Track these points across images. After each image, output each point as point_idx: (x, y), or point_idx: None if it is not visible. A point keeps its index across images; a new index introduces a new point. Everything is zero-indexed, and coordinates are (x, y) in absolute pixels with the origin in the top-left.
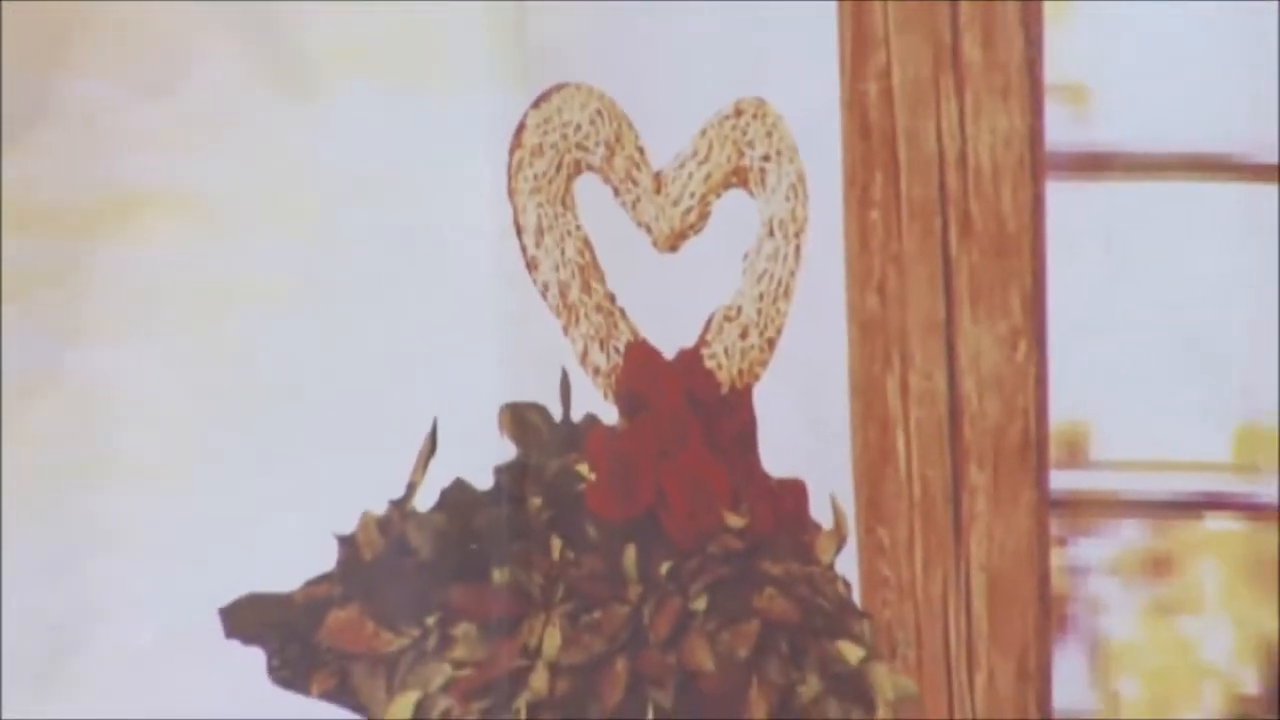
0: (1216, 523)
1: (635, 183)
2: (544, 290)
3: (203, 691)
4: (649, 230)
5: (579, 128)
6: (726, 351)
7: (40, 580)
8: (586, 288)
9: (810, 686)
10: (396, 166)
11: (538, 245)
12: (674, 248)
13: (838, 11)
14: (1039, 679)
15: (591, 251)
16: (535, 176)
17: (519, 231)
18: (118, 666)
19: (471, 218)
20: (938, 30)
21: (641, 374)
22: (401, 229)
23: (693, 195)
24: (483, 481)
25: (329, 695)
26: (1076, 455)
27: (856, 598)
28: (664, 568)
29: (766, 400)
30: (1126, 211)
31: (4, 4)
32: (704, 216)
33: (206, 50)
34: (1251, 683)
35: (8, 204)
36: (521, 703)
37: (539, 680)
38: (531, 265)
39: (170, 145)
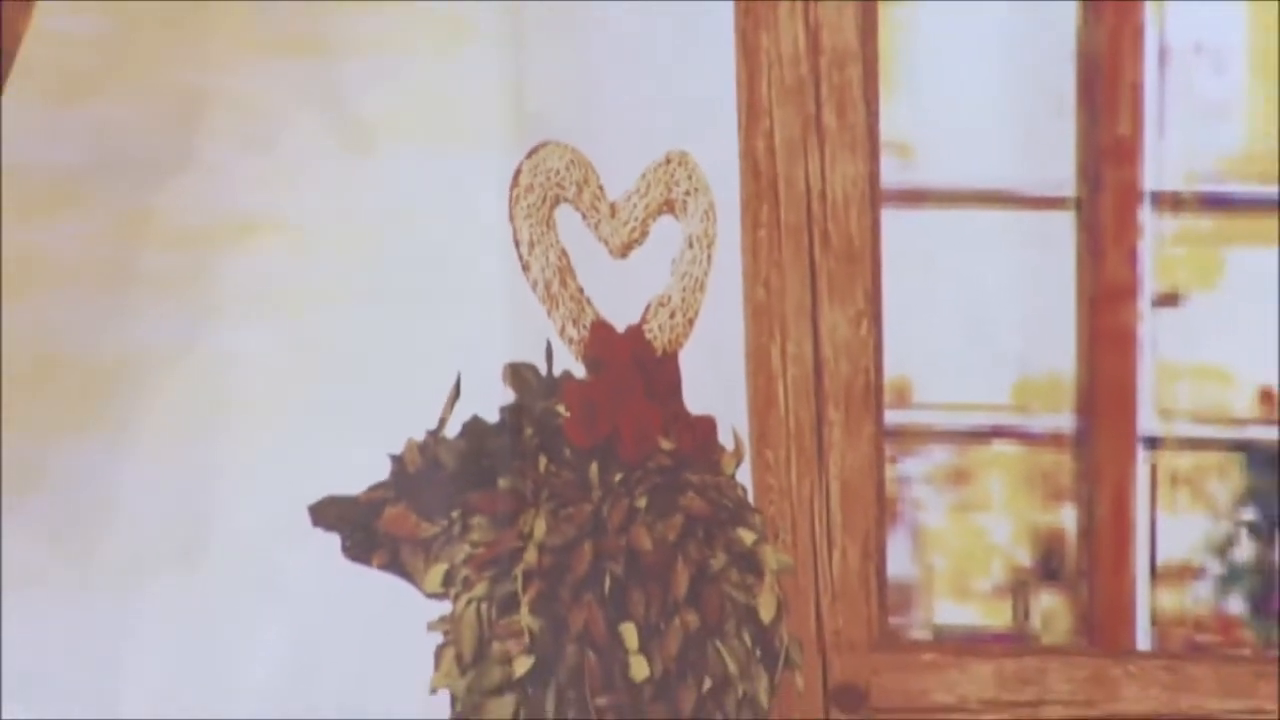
0: (1001, 447)
1: (597, 210)
2: (534, 285)
3: (298, 568)
4: (606, 243)
5: (558, 172)
6: (660, 328)
7: (178, 497)
8: (564, 283)
9: (719, 560)
10: (430, 200)
11: (530, 254)
12: (624, 255)
13: (736, 91)
14: (877, 556)
15: (567, 258)
16: (528, 206)
17: (516, 244)
18: (234, 554)
19: (483, 235)
20: (805, 104)
21: (601, 344)
22: (434, 245)
23: (636, 219)
24: (492, 417)
25: (384, 567)
26: (903, 400)
27: (751, 499)
28: (617, 477)
29: (688, 361)
30: (938, 231)
31: (154, 86)
32: (645, 234)
33: (295, 121)
34: (1025, 558)
35: (156, 227)
36: (518, 572)
37: (531, 556)
38: (525, 268)
39: (270, 187)
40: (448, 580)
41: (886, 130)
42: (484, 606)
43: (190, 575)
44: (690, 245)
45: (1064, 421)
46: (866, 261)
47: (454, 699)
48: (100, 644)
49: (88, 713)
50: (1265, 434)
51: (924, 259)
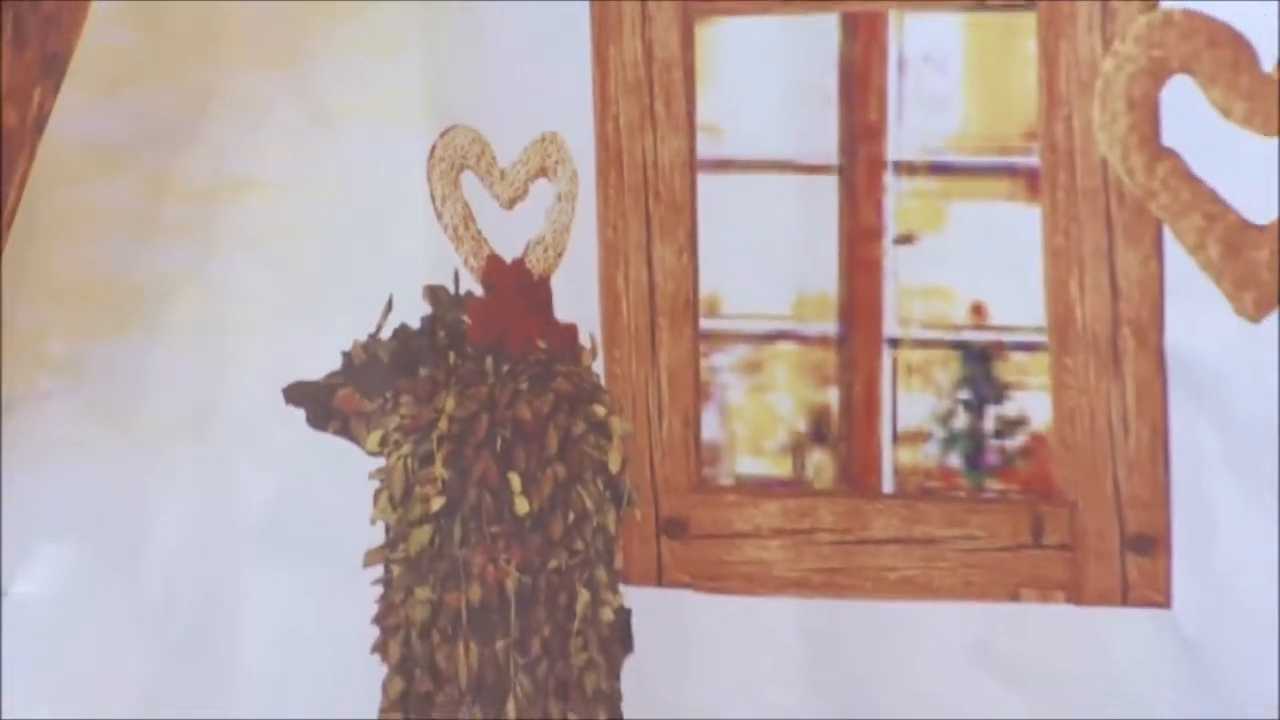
0: (783, 346)
1: (491, 175)
2: (446, 229)
3: (277, 435)
4: (498, 199)
5: (463, 147)
6: (537, 260)
7: (190, 385)
8: (467, 227)
9: (579, 427)
10: (374, 167)
11: (442, 206)
12: (511, 208)
13: (592, 88)
14: (694, 425)
15: (469, 210)
16: (441, 172)
17: (432, 199)
18: (232, 427)
19: (410, 193)
20: (642, 98)
21: (494, 271)
22: (376, 200)
23: (520, 181)
24: (415, 325)
25: (337, 433)
26: (713, 311)
27: (603, 383)
28: (505, 368)
29: (557, 284)
30: (738, 190)
31: (174, 83)
32: (526, 192)
33: (278, 108)
34: (802, 426)
35: (174, 187)
36: (434, 436)
37: (443, 424)
38: (439, 216)
39: (258, 157)
40: (383, 442)
41: (701, 117)
42: (409, 461)
43: (199, 444)
44: (559, 200)
45: (830, 327)
46: (687, 212)
47: (387, 528)
48: (129, 497)
49: (122, 544)
50: (976, 337)
51: (729, 210)
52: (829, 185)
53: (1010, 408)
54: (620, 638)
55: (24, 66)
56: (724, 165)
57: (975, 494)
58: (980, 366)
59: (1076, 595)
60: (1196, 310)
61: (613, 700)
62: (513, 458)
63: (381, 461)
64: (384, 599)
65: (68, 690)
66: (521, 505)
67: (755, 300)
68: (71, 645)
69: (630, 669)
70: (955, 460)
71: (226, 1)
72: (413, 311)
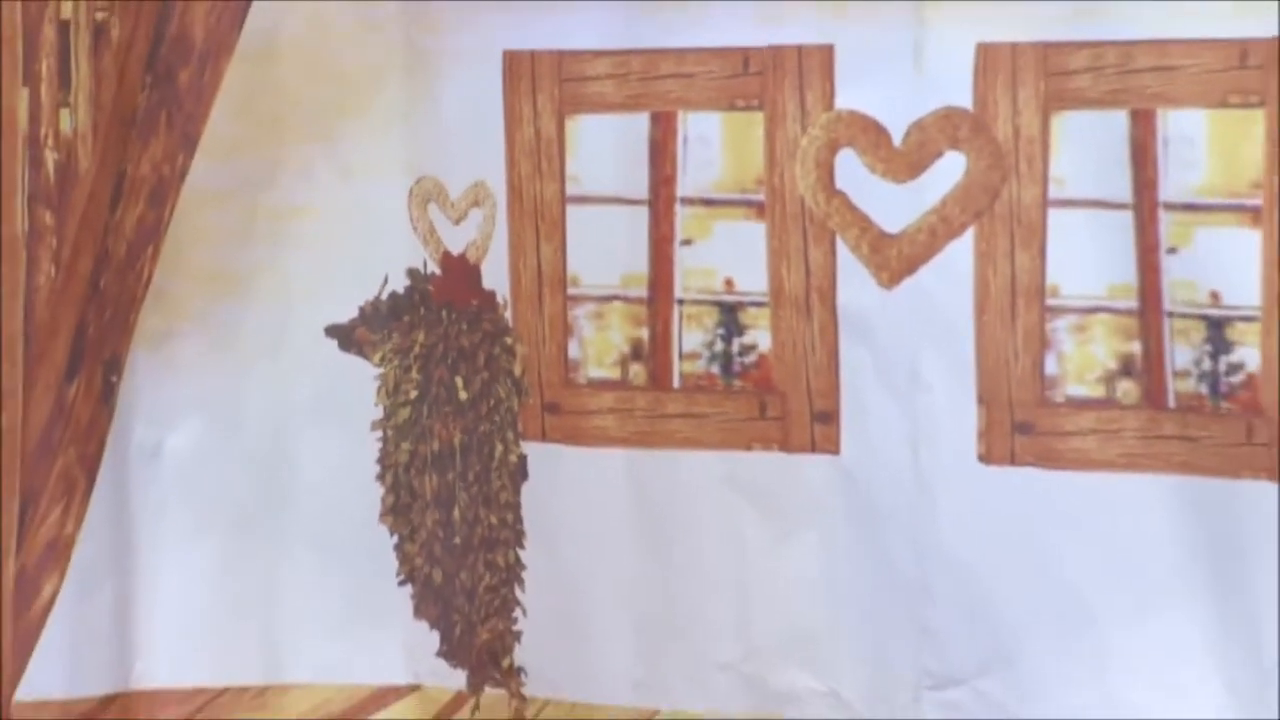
0: (616, 304)
1: (445, 204)
2: (419, 236)
3: (324, 356)
4: (450, 218)
5: (428, 189)
6: (472, 254)
7: (263, 326)
8: (431, 234)
9: (498, 350)
10: (376, 200)
11: (417, 223)
12: (458, 224)
13: (505, 153)
14: (564, 349)
15: (433, 224)
16: (416, 203)
17: (410, 219)
18: (294, 354)
19: (399, 216)
20: (537, 162)
21: (447, 261)
22: (378, 219)
23: (463, 208)
24: (401, 291)
25: (356, 354)
26: (576, 284)
27: (512, 325)
28: (454, 316)
29: (485, 269)
30: (589, 215)
31: (258, 155)
32: (466, 215)
33: (317, 166)
34: (627, 349)
35: (261, 213)
36: (412, 355)
37: (416, 348)
38: (415, 229)
39: (307, 194)
40: (382, 359)
41: (569, 171)
42: (397, 370)
43: (274, 361)
44: (485, 220)
45: (643, 293)
46: (560, 227)
47: (384, 408)
48: (232, 392)
49: (228, 418)
50: (728, 298)
51: (584, 226)
52: (643, 211)
53: (748, 339)
54: (520, 472)
55: (173, 141)
56: (582, 200)
57: (727, 389)
58: (730, 315)
59: (786, 447)
60: (855, 282)
61: (516, 508)
62: (458, 368)
63: (381, 370)
64: (383, 449)
65: (202, 503)
66: (463, 395)
67: (599, 277)
68: (202, 479)
69: (526, 490)
70: (716, 369)
71: (289, 104)
72: (399, 284)
